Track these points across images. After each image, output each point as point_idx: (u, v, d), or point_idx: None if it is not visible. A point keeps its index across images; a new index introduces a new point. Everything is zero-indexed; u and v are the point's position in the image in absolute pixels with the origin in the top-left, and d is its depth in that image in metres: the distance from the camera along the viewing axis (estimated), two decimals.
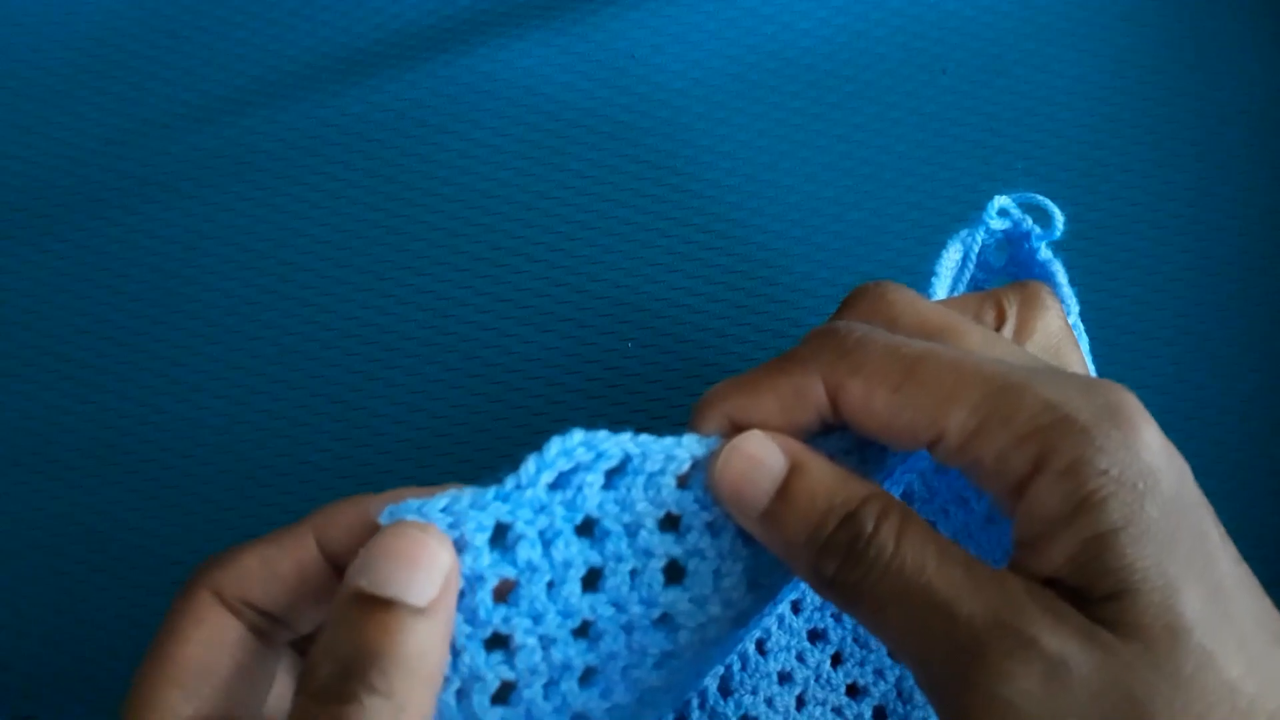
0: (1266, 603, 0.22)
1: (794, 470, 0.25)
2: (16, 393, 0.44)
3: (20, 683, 0.41)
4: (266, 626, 0.26)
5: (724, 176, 0.46)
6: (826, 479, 0.24)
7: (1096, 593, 0.21)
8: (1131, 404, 0.23)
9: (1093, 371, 0.33)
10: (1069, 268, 0.34)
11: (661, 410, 0.44)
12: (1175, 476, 0.22)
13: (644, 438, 0.26)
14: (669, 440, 0.26)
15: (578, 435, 0.25)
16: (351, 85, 0.47)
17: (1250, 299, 0.46)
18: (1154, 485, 0.21)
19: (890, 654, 0.35)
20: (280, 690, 0.27)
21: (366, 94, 0.47)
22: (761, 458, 0.25)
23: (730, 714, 0.32)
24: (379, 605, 0.23)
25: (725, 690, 0.33)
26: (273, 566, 0.26)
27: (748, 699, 0.33)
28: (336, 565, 0.26)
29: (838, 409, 0.25)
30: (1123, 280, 0.46)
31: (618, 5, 0.48)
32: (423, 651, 0.23)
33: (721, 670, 0.33)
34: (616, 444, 0.25)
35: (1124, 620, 0.21)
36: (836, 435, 0.26)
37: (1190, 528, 0.22)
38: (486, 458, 0.43)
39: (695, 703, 0.33)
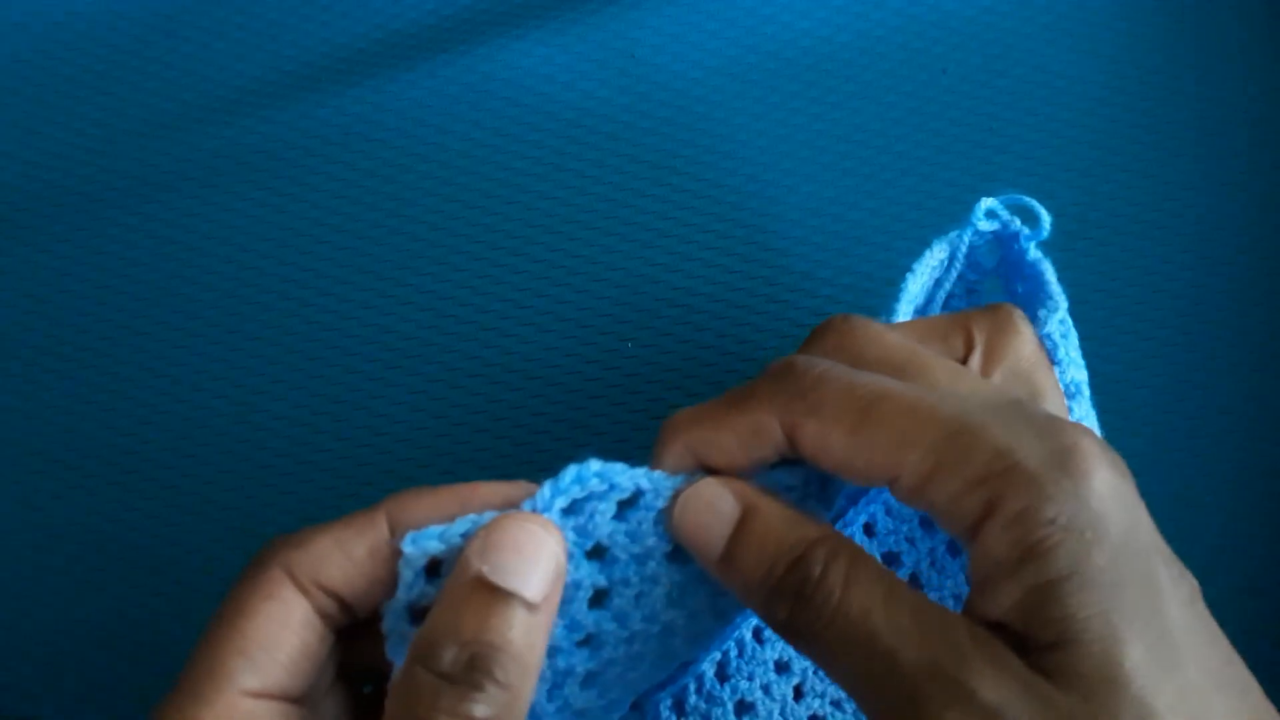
0: (1218, 645, 0.22)
1: (745, 516, 0.25)
2: (16, 393, 0.44)
3: (20, 683, 0.41)
4: (332, 609, 0.26)
5: (724, 176, 0.46)
6: (777, 523, 0.25)
7: (1039, 641, 0.21)
8: (1086, 448, 0.22)
9: (1085, 373, 0.33)
10: (1069, 268, 0.34)
11: (661, 410, 0.44)
12: (1125, 522, 0.22)
13: (657, 474, 0.26)
14: (681, 478, 0.26)
15: (594, 465, 0.26)
16: (351, 85, 0.47)
17: (1250, 299, 0.46)
18: (1102, 533, 0.21)
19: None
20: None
21: (366, 94, 0.47)
22: (714, 504, 0.25)
23: (726, 699, 0.32)
24: (500, 596, 0.24)
25: (722, 676, 0.33)
26: (347, 550, 0.26)
27: (744, 685, 0.33)
28: None
29: (795, 447, 0.25)
30: (1123, 280, 0.46)
31: (618, 5, 0.48)
32: (533, 645, 0.24)
33: (718, 656, 0.33)
34: (630, 477, 0.26)
35: (1064, 670, 0.21)
36: (785, 470, 0.27)
37: (1138, 575, 0.21)
38: (486, 458, 0.43)
39: (692, 687, 0.33)
